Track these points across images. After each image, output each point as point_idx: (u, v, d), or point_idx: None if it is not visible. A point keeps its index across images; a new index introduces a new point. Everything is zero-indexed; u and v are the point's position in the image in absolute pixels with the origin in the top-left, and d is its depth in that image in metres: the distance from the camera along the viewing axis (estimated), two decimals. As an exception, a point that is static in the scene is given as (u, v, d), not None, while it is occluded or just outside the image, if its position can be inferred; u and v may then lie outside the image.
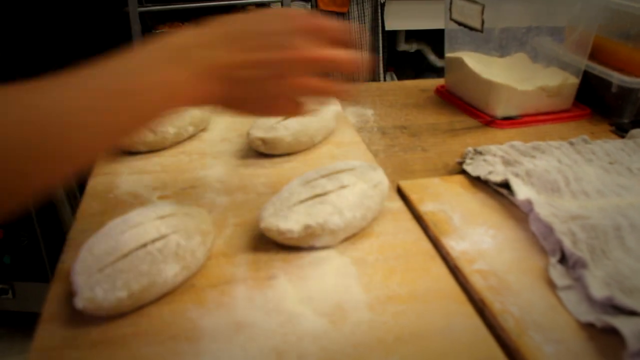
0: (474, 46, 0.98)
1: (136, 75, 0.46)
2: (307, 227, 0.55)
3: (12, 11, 1.61)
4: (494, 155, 0.75)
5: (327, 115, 0.80)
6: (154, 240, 0.51)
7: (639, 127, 0.87)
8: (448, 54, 1.04)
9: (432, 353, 0.46)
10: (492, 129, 0.92)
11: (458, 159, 0.77)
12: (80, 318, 0.49)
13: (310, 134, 0.77)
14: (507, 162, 0.74)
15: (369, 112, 0.97)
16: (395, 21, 2.41)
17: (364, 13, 2.33)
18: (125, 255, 0.50)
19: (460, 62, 0.99)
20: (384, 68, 2.46)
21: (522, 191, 0.64)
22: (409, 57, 2.73)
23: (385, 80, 2.49)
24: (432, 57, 2.69)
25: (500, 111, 0.93)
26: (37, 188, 0.42)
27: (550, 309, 0.50)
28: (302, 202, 0.58)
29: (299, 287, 0.52)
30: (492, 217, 0.64)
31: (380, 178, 0.63)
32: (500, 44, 0.92)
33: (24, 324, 1.79)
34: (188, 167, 0.75)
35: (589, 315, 0.49)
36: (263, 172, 0.73)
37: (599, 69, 0.94)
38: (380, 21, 2.36)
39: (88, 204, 0.67)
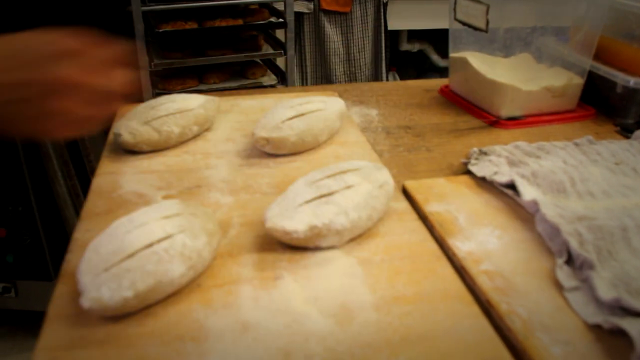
0: (479, 46, 0.98)
1: None
2: (312, 228, 0.55)
3: (14, 10, 1.61)
4: (499, 155, 0.75)
5: (331, 115, 0.80)
6: (160, 240, 0.51)
7: (644, 127, 0.87)
8: (452, 54, 1.04)
9: (439, 354, 0.45)
10: (496, 129, 0.91)
11: (463, 159, 0.77)
12: (86, 318, 0.49)
13: (314, 133, 0.77)
14: (512, 163, 0.73)
15: (373, 112, 0.97)
16: (397, 21, 2.41)
17: (366, 13, 2.33)
18: (131, 255, 0.49)
19: (464, 62, 0.99)
20: (386, 68, 2.45)
21: (528, 192, 0.64)
22: (411, 57, 2.72)
23: (387, 80, 2.49)
24: (435, 57, 2.68)
25: (504, 111, 0.93)
26: None
27: (557, 310, 0.50)
28: (307, 202, 0.57)
29: (305, 287, 0.52)
30: (497, 217, 0.64)
31: (385, 178, 0.63)
32: (505, 44, 0.92)
33: (26, 323, 1.79)
34: (192, 166, 0.75)
35: (596, 316, 0.49)
36: (267, 171, 0.73)
37: (603, 70, 0.94)
38: (382, 21, 2.36)
39: (93, 203, 0.66)
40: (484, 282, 0.53)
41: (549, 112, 0.95)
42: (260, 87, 1.90)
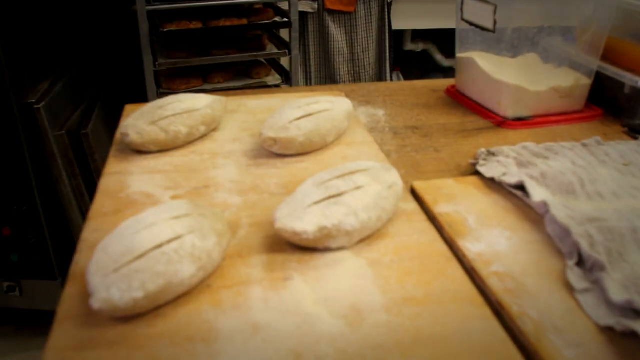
0: (485, 46, 0.98)
1: None
2: (322, 229, 0.55)
3: (20, 10, 1.62)
4: (507, 156, 0.75)
5: (339, 115, 0.79)
6: (169, 241, 0.51)
7: (652, 128, 0.87)
8: (459, 54, 1.03)
9: (451, 356, 0.45)
10: (503, 129, 0.91)
11: (471, 160, 0.77)
12: (96, 318, 0.48)
13: (322, 134, 0.77)
14: (520, 164, 0.73)
15: (380, 112, 0.96)
16: (402, 21, 2.40)
17: (370, 12, 2.32)
18: (141, 256, 0.49)
19: (471, 62, 0.99)
20: (390, 68, 2.45)
21: (538, 193, 0.64)
22: (415, 56, 2.72)
23: (391, 80, 2.49)
24: (439, 57, 2.68)
25: (511, 112, 0.92)
26: None
27: (568, 312, 0.50)
28: (316, 203, 0.57)
29: (315, 288, 0.52)
30: (506, 218, 0.64)
31: (394, 179, 0.63)
32: (512, 44, 0.91)
33: (30, 322, 1.80)
34: (200, 167, 0.74)
35: (608, 318, 0.49)
36: (275, 172, 0.73)
37: (611, 70, 0.94)
38: (387, 20, 2.35)
39: (100, 204, 0.66)
40: (494, 284, 0.53)
41: (556, 112, 0.95)
42: (264, 87, 1.90)
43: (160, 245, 0.50)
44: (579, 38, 0.96)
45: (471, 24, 0.95)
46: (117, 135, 0.81)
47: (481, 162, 0.74)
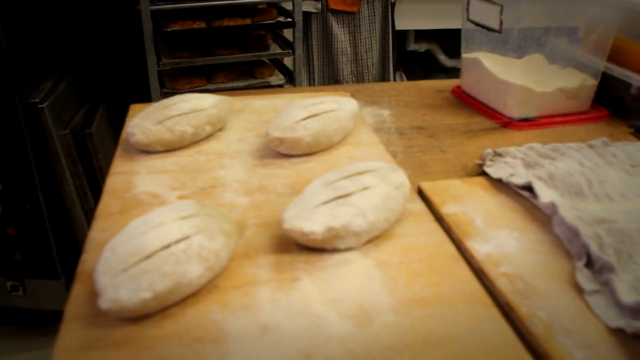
0: (491, 47, 0.98)
1: None
2: (330, 229, 0.55)
3: (24, 10, 1.62)
4: (514, 157, 0.75)
5: (345, 116, 0.79)
6: (177, 241, 0.51)
7: (659, 129, 0.86)
8: (464, 55, 1.03)
9: (461, 357, 0.45)
10: (509, 130, 0.91)
11: (477, 161, 0.77)
12: (103, 318, 0.48)
13: (329, 134, 0.76)
14: (527, 165, 0.73)
15: (386, 113, 0.96)
16: (405, 21, 2.40)
17: (374, 12, 2.32)
18: (149, 256, 0.49)
19: (477, 63, 0.98)
20: (393, 68, 2.45)
21: (546, 194, 0.64)
22: (418, 57, 2.72)
23: (394, 80, 2.49)
24: (442, 57, 2.68)
25: (517, 112, 0.92)
26: None
27: (578, 314, 0.50)
28: (324, 203, 0.57)
29: (323, 289, 0.52)
30: (514, 219, 0.64)
31: (401, 180, 0.63)
32: (519, 45, 0.91)
33: (34, 321, 1.80)
34: (206, 166, 0.74)
35: (618, 320, 0.48)
36: (282, 172, 0.73)
37: (617, 71, 0.93)
38: (390, 21, 2.35)
39: (107, 203, 0.66)
40: (503, 285, 0.53)
41: (562, 113, 0.95)
42: (268, 87, 1.90)
43: (168, 246, 0.50)
44: (585, 39, 0.95)
45: (477, 24, 0.95)
46: (123, 134, 0.81)
47: (488, 162, 0.74)
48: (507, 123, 0.92)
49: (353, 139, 0.82)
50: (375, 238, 0.59)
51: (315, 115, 0.76)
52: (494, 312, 0.50)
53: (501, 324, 0.49)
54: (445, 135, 0.88)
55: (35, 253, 1.67)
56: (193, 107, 0.79)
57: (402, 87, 1.12)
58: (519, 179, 0.68)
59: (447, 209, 0.65)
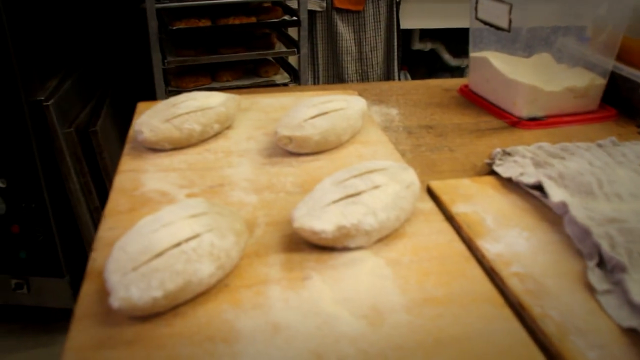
0: (500, 46, 0.97)
1: None
2: (341, 228, 0.55)
3: (30, 8, 1.62)
4: (524, 156, 0.74)
5: (354, 114, 0.79)
6: (188, 240, 0.50)
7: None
8: (472, 54, 1.03)
9: (473, 357, 0.45)
10: (517, 129, 0.91)
11: (487, 160, 0.76)
12: (114, 317, 0.48)
13: (337, 132, 0.76)
14: (537, 164, 0.73)
15: (394, 112, 0.96)
16: (410, 20, 2.40)
17: (379, 11, 2.32)
18: (160, 255, 0.49)
19: (485, 62, 0.98)
20: (398, 67, 2.45)
21: (556, 193, 0.63)
22: (422, 56, 2.71)
23: (399, 79, 2.48)
24: (447, 56, 2.67)
25: (526, 112, 0.92)
26: None
27: (590, 314, 0.49)
28: (335, 202, 0.57)
29: (334, 288, 0.52)
30: (524, 218, 0.63)
31: (412, 179, 0.62)
32: (527, 44, 0.91)
33: (38, 319, 1.80)
34: (214, 165, 0.74)
35: (630, 320, 0.48)
36: (291, 170, 0.73)
37: (626, 70, 0.93)
38: (395, 20, 2.35)
39: (115, 201, 0.66)
40: (515, 285, 0.53)
41: (570, 112, 0.94)
42: (273, 86, 1.90)
43: (178, 244, 0.50)
44: (594, 38, 0.95)
45: (485, 23, 0.95)
46: (131, 132, 0.81)
47: (497, 162, 0.74)
48: (515, 122, 0.92)
49: (362, 137, 0.82)
50: (385, 237, 0.59)
51: (324, 113, 0.76)
52: (506, 312, 0.50)
53: (513, 324, 0.48)
54: (453, 134, 0.88)
55: (40, 251, 1.67)
56: (201, 105, 0.79)
57: (409, 86, 1.11)
58: (529, 178, 0.67)
59: (457, 208, 0.64)
